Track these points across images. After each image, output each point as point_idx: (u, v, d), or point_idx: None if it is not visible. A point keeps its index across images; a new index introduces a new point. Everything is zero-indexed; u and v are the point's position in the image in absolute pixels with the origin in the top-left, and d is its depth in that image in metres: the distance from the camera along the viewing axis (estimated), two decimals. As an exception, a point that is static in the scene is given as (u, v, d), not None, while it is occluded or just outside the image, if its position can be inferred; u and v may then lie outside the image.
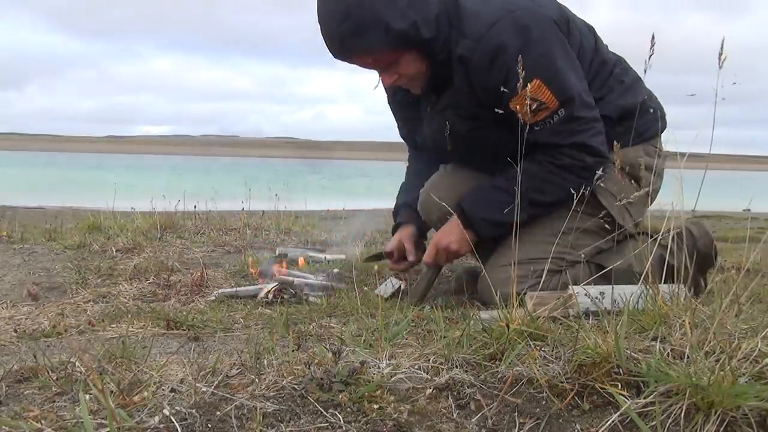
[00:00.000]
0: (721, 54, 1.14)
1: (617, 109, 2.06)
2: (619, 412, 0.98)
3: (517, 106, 1.92)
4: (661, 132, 2.21)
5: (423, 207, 2.34)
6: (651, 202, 2.16)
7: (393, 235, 2.41)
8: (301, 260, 2.63)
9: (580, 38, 2.07)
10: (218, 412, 1.02)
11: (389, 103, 2.37)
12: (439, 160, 2.39)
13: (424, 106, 2.15)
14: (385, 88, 2.23)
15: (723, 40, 1.14)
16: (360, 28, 1.81)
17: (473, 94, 1.98)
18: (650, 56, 1.33)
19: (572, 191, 1.93)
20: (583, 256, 2.05)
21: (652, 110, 2.16)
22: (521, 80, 1.57)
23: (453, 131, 2.06)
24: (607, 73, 2.10)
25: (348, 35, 1.83)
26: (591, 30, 2.15)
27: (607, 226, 1.97)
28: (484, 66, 1.91)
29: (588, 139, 1.98)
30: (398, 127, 2.46)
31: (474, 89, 1.97)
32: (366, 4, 1.79)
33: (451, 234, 2.11)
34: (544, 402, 1.06)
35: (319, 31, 1.91)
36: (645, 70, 1.35)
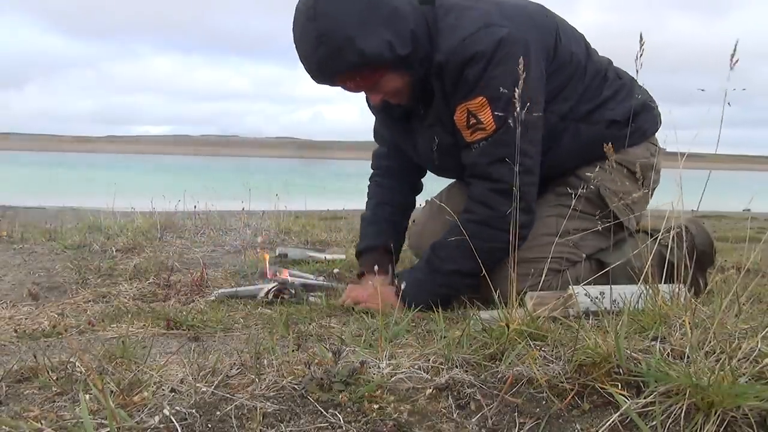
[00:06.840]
0: (733, 56, 1.13)
1: (625, 111, 2.03)
2: (619, 412, 0.98)
3: (457, 119, 1.90)
4: (657, 129, 2.21)
5: (414, 244, 2.46)
6: (650, 198, 2.16)
7: (359, 276, 2.30)
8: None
9: (571, 46, 2.02)
10: (218, 412, 1.02)
11: (369, 107, 2.31)
12: (425, 171, 2.39)
13: (415, 121, 2.11)
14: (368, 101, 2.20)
15: (737, 42, 1.13)
16: (333, 52, 1.76)
17: (450, 107, 1.93)
18: (640, 55, 1.32)
19: (499, 248, 1.77)
20: (584, 256, 2.05)
21: (652, 108, 2.15)
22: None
23: (440, 146, 2.03)
24: (601, 78, 2.08)
25: (324, 60, 1.79)
26: (582, 37, 2.12)
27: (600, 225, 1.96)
28: (454, 78, 1.87)
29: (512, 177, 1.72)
30: (375, 127, 2.43)
31: (449, 103, 1.92)
32: (337, 28, 1.75)
33: (390, 299, 2.03)
34: (544, 402, 1.06)
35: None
36: (636, 71, 1.35)
